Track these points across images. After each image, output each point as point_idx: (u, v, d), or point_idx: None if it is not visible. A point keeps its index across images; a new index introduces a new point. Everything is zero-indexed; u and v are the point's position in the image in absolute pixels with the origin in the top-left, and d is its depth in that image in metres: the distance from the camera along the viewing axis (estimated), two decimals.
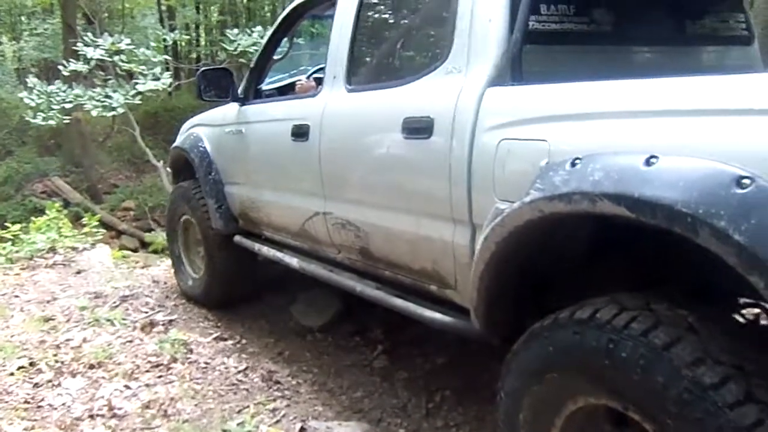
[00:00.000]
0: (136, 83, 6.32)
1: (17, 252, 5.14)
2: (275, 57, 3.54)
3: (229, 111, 3.58)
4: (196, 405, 2.85)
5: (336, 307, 3.71)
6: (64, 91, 6.53)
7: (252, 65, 3.54)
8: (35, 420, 2.69)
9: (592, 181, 1.48)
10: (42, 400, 2.87)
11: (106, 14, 16.75)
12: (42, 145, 14.60)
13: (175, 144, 4.19)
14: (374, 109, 2.47)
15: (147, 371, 3.16)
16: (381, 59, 2.73)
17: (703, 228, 1.26)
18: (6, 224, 12.16)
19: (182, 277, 4.25)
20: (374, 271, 2.57)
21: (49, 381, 3.03)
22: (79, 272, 4.79)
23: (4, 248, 5.28)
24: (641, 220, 1.38)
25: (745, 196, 1.22)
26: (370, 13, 2.71)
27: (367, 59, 2.78)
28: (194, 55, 17.59)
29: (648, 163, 1.39)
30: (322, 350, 3.46)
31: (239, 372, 3.18)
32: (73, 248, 5.20)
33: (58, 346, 3.42)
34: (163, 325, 3.74)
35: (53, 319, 3.79)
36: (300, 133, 2.79)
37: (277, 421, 2.71)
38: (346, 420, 2.73)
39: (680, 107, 1.46)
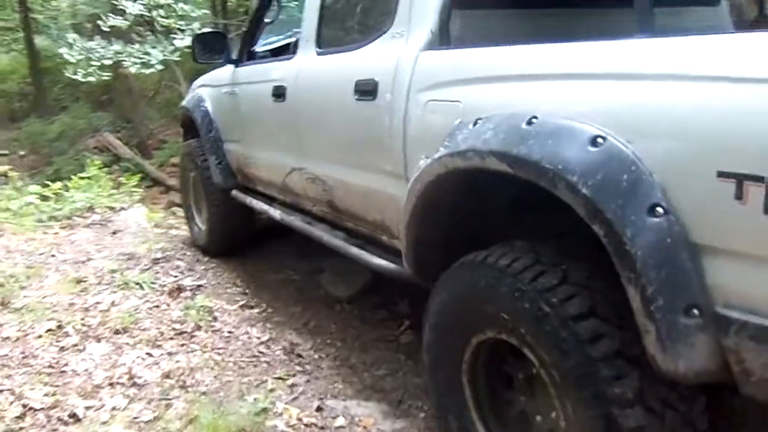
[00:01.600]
0: (174, 39, 6.22)
1: (59, 210, 5.21)
2: (266, 20, 3.63)
3: (226, 72, 3.78)
4: (215, 377, 2.80)
5: (365, 277, 3.59)
6: (103, 47, 6.51)
7: (245, 28, 3.75)
8: (57, 386, 2.69)
9: (484, 139, 1.63)
10: (66, 365, 2.87)
11: None
12: (94, 101, 14.83)
13: (182, 103, 4.42)
14: (335, 72, 2.60)
15: (170, 338, 3.14)
16: (343, 24, 2.88)
17: (560, 182, 1.41)
18: (60, 178, 12.53)
19: (193, 228, 4.52)
20: (341, 222, 2.78)
21: (75, 345, 3.04)
22: (114, 233, 4.83)
23: (48, 206, 5.36)
24: (519, 175, 1.54)
25: (596, 154, 1.37)
26: None
27: (334, 24, 2.89)
28: (242, 9, 17.41)
29: (529, 122, 1.53)
30: (348, 322, 3.36)
31: (262, 343, 3.11)
32: (111, 208, 5.24)
33: (86, 309, 3.43)
34: (190, 290, 3.71)
35: (85, 281, 3.81)
36: (279, 93, 2.97)
37: (295, 398, 2.63)
38: (365, 399, 2.63)
39: (562, 71, 1.59)
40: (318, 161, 2.79)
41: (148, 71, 6.37)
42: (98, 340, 3.08)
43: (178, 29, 6.33)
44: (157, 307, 3.49)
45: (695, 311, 1.27)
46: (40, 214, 5.15)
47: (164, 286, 3.76)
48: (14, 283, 3.76)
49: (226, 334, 3.20)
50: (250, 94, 3.45)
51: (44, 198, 5.58)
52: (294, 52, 3.02)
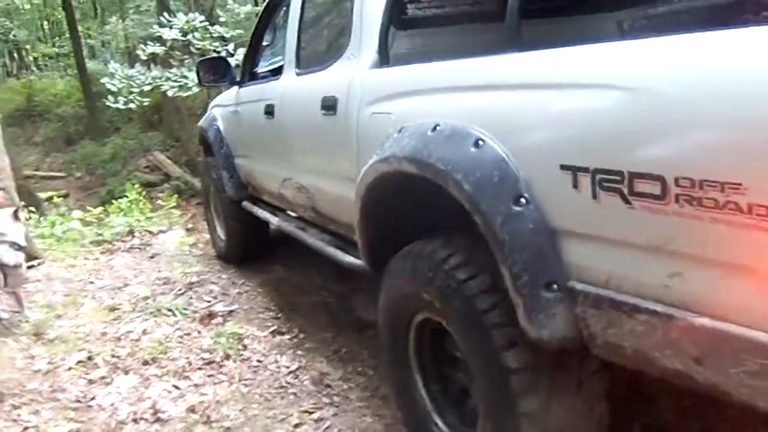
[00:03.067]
0: None
1: (100, 235, 5.27)
2: (264, 43, 3.98)
3: (232, 93, 4.08)
4: (240, 410, 2.70)
5: None
6: (143, 74, 6.61)
7: (245, 52, 4.06)
8: (82, 422, 2.65)
9: (401, 146, 1.87)
10: (92, 399, 2.83)
11: None
12: (146, 121, 15.23)
13: (198, 123, 4.70)
14: (307, 90, 2.86)
15: (198, 368, 3.06)
16: (315, 47, 3.12)
17: (449, 180, 1.64)
18: (113, 198, 12.81)
19: (215, 240, 4.78)
20: (325, 225, 3.00)
21: (103, 378, 3.00)
22: (152, 256, 4.84)
23: (90, 231, 5.43)
24: (424, 176, 1.76)
25: (476, 154, 1.60)
26: (309, 8, 3.14)
27: (308, 47, 3.13)
28: None
29: (433, 129, 1.77)
30: (380, 349, 3.20)
31: (290, 372, 3.00)
32: (150, 231, 5.25)
33: (118, 339, 3.41)
34: (222, 316, 3.65)
35: (119, 308, 3.80)
36: (269, 111, 3.26)
37: None
38: None
39: (460, 83, 1.82)
40: (301, 171, 3.08)
41: (185, 94, 6.42)
42: (126, 372, 3.04)
43: (214, 51, 6.35)
44: (188, 334, 3.43)
45: (554, 286, 1.46)
46: (82, 239, 5.22)
47: (196, 312, 3.71)
48: (51, 312, 3.78)
49: (255, 364, 3.11)
50: (249, 112, 3.71)
51: (87, 223, 5.66)
52: (281, 73, 3.30)
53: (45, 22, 22.36)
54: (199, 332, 3.46)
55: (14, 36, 19.94)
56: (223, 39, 6.37)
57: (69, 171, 14.31)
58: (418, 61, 2.10)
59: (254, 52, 3.97)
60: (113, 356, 3.19)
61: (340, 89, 2.45)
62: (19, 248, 3.57)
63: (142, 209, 5.67)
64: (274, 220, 3.61)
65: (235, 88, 4.00)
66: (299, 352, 3.22)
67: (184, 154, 13.88)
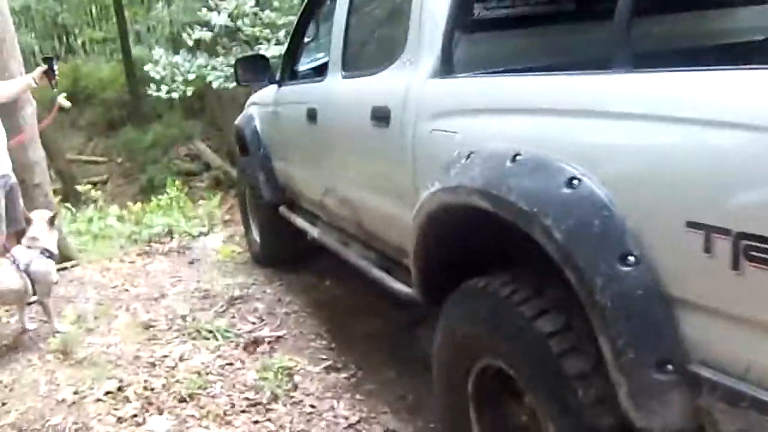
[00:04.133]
0: (259, 49, 5.82)
1: (137, 234, 4.90)
2: (306, 39, 3.65)
3: (271, 92, 3.78)
4: None
5: None
6: (188, 61, 6.24)
7: (285, 49, 3.76)
8: None
9: (471, 175, 1.59)
10: None
11: None
12: (187, 109, 14.97)
13: (236, 121, 4.40)
14: (354, 97, 2.59)
15: (242, 411, 2.63)
16: (365, 47, 2.86)
17: (534, 224, 1.36)
18: (153, 186, 12.58)
19: (250, 242, 4.48)
20: (372, 243, 2.70)
21: (134, 416, 2.59)
22: (192, 262, 4.45)
23: (127, 229, 5.08)
24: (501, 215, 1.48)
25: (570, 195, 1.31)
26: (359, 3, 2.81)
27: (357, 47, 2.84)
28: None
29: (513, 159, 1.47)
30: None
31: (350, 426, 2.54)
32: (189, 234, 4.86)
33: (152, 365, 3.00)
34: (269, 343, 3.21)
35: (154, 326, 3.40)
36: (311, 115, 2.98)
37: None
38: None
39: (547, 105, 1.51)
40: (346, 183, 2.81)
41: (231, 85, 6.00)
42: (160, 412, 2.62)
43: (264, 38, 5.91)
44: (231, 364, 3.00)
45: (669, 367, 1.20)
46: (119, 238, 4.86)
47: (240, 336, 3.28)
48: (81, 325, 3.41)
49: (308, 409, 2.65)
50: (289, 114, 3.46)
51: (124, 220, 5.31)
52: (324, 74, 2.99)
53: (93, 7, 22.40)
54: (242, 362, 3.03)
55: (62, 20, 19.96)
56: (274, 26, 5.92)
57: (110, 156, 14.21)
58: (488, 71, 1.86)
59: (295, 48, 3.68)
60: (146, 388, 2.77)
61: (393, 99, 2.17)
62: (50, 256, 3.21)
63: (182, 207, 5.29)
64: (313, 232, 3.34)
65: (275, 86, 3.73)
66: (358, 397, 2.76)
67: (224, 144, 13.59)
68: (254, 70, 3.78)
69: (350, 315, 3.55)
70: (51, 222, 3.26)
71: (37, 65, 3.86)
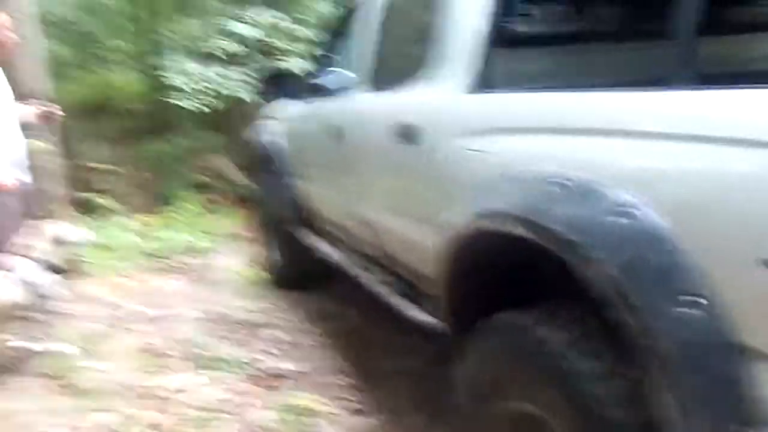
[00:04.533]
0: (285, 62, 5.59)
1: (151, 250, 4.65)
2: (334, 55, 3.50)
3: (292, 107, 3.68)
4: None
5: None
6: (221, 76, 6.04)
7: (313, 62, 3.67)
8: None
9: (512, 201, 1.48)
10: None
11: None
12: (211, 121, 14.85)
13: (250, 134, 4.33)
14: (380, 113, 2.47)
15: None
16: (392, 63, 2.67)
17: (582, 257, 1.23)
18: (170, 200, 12.41)
19: (270, 262, 4.23)
20: (395, 269, 2.57)
21: None
22: (210, 284, 4.17)
23: (142, 243, 4.83)
24: (542, 244, 1.34)
25: (626, 227, 1.18)
26: (390, 17, 2.67)
27: (384, 63, 2.70)
28: None
29: (558, 184, 1.35)
30: None
31: None
32: (207, 250, 4.60)
33: (161, 398, 2.70)
34: (289, 378, 2.90)
35: (167, 355, 3.10)
36: (334, 132, 2.86)
37: None
38: None
39: (599, 125, 1.37)
40: (369, 205, 2.67)
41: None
42: None
43: (292, 52, 5.68)
44: (247, 402, 2.70)
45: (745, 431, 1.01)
46: (131, 253, 4.60)
47: (259, 369, 2.98)
48: (86, 347, 3.13)
49: None
50: (312, 130, 3.34)
51: (140, 233, 5.07)
52: (351, 90, 2.86)
53: (123, 19, 22.68)
54: (261, 400, 2.72)
55: (93, 31, 20.16)
56: (308, 40, 5.70)
57: (130, 167, 14.10)
58: (526, 87, 1.75)
59: (322, 63, 3.55)
60: (152, 426, 2.48)
61: (422, 115, 2.04)
62: (55, 270, 2.95)
63: (201, 224, 5.03)
64: (332, 256, 3.19)
65: (297, 100, 3.61)
66: None
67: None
68: (280, 86, 3.75)
69: (377, 349, 3.24)
70: (57, 233, 3.01)
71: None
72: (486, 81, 1.83)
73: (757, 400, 1.01)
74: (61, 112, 3.36)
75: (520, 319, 1.50)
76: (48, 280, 2.94)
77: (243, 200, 10.92)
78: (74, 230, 3.02)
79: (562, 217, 1.30)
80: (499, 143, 1.65)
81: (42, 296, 2.94)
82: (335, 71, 3.61)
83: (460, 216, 1.69)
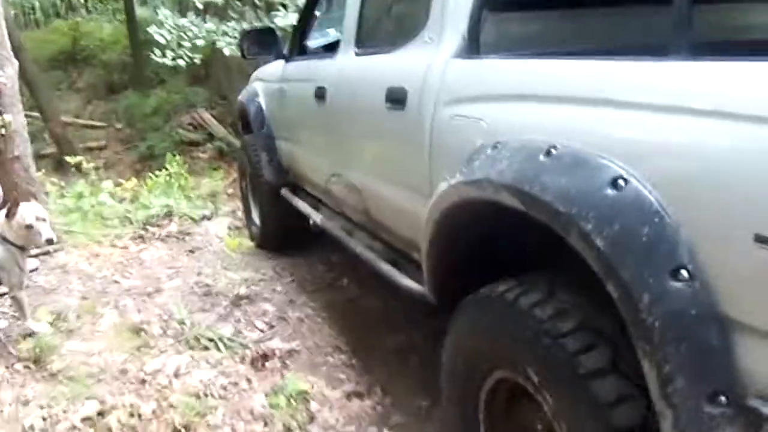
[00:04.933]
0: (276, 16, 5.24)
1: (131, 215, 4.40)
2: (317, 13, 3.46)
3: (276, 67, 3.61)
4: None
5: None
6: (196, 26, 5.66)
7: (295, 23, 3.54)
8: None
9: (499, 169, 1.45)
10: None
11: None
12: (193, 75, 14.35)
13: (239, 97, 4.18)
14: (368, 76, 2.42)
15: None
16: (383, 23, 2.66)
17: (571, 228, 1.22)
18: (153, 155, 12.01)
19: (250, 225, 4.21)
20: (378, 233, 2.55)
21: None
22: (192, 251, 3.96)
23: (121, 208, 4.57)
24: (531, 214, 1.33)
25: (615, 198, 1.17)
26: None
27: (372, 23, 2.65)
28: None
29: (547, 153, 1.33)
30: None
31: None
32: (190, 217, 4.36)
33: (142, 382, 2.53)
34: (280, 358, 2.73)
35: (146, 332, 2.91)
36: (320, 94, 2.79)
37: None
38: None
39: (590, 94, 1.35)
40: (354, 169, 2.64)
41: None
42: None
43: (281, 5, 5.31)
44: (235, 384, 2.53)
45: (722, 399, 1.05)
46: (111, 219, 4.36)
47: (246, 347, 2.80)
48: (60, 325, 2.93)
49: None
50: (296, 91, 3.28)
51: (119, 198, 4.80)
52: (336, 51, 2.79)
53: None
54: (249, 382, 2.55)
55: None
56: None
57: (109, 121, 13.68)
58: (520, 53, 1.68)
59: (306, 22, 3.49)
60: (133, 414, 2.30)
61: (411, 80, 1.99)
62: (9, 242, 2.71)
63: (183, 186, 4.78)
64: (316, 218, 3.17)
65: (281, 61, 3.54)
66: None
67: (229, 114, 13.05)
68: (262, 43, 3.59)
69: (373, 323, 3.08)
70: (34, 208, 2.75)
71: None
72: (476, 45, 1.78)
73: (736, 369, 1.03)
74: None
75: (502, 291, 1.49)
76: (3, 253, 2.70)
77: (226, 155, 10.61)
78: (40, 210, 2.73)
79: (550, 187, 1.28)
80: (488, 110, 1.62)
81: (7, 272, 2.72)
82: (318, 30, 3.59)
83: (445, 183, 1.65)
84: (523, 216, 1.36)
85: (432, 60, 1.90)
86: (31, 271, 3.46)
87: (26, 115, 3.74)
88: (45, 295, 3.21)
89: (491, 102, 1.62)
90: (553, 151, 1.32)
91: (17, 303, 2.82)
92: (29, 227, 2.64)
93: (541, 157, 1.33)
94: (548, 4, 1.92)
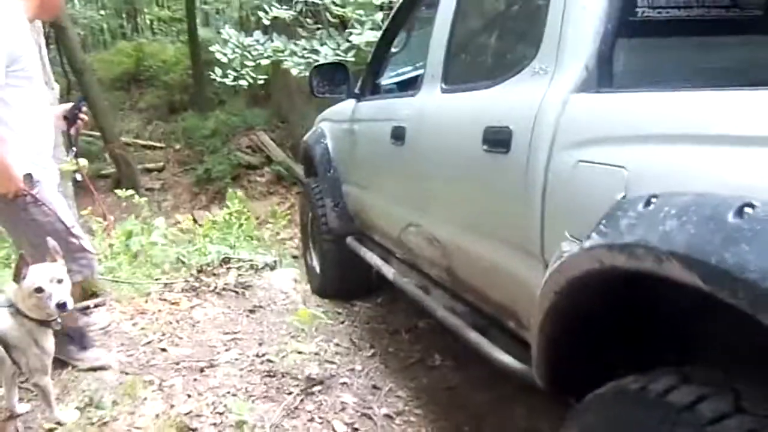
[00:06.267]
0: (351, 33, 4.67)
1: (185, 261, 3.84)
2: (393, 50, 3.22)
3: (346, 107, 3.40)
4: None
5: None
6: (262, 44, 5.17)
7: (369, 59, 3.34)
8: None
9: (662, 231, 1.13)
10: None
11: None
12: (252, 96, 14.12)
13: (304, 138, 3.98)
14: (460, 114, 2.18)
15: None
16: (475, 56, 2.46)
17: None
18: (210, 178, 11.66)
19: (309, 270, 3.99)
20: (461, 293, 2.28)
21: None
22: (252, 311, 3.35)
23: (174, 252, 4.02)
24: (718, 295, 1.03)
25: None
26: (470, 6, 2.40)
27: (464, 56, 2.45)
28: None
29: (739, 213, 1.02)
30: None
31: None
32: (252, 266, 3.77)
33: None
34: None
35: (196, 429, 2.28)
36: (398, 135, 2.59)
37: None
38: None
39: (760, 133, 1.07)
40: (436, 219, 2.39)
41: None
42: None
43: (357, 21, 4.75)
44: None
45: None
46: (162, 265, 3.81)
47: None
48: (91, 414, 2.34)
49: None
50: (369, 132, 3.08)
51: (174, 240, 4.26)
52: (416, 88, 2.59)
53: None
54: None
55: None
56: (371, 6, 4.73)
57: (168, 142, 13.55)
58: (664, 87, 1.38)
59: (381, 58, 3.24)
60: None
61: (517, 119, 1.72)
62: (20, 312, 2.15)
63: (244, 227, 4.20)
64: (388, 272, 2.87)
65: (352, 101, 3.29)
66: None
67: (289, 137, 12.69)
68: (331, 80, 3.31)
69: (486, 426, 2.38)
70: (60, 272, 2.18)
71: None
72: (607, 77, 1.57)
73: None
74: (85, 117, 2.65)
75: (645, 383, 1.17)
76: (10, 324, 2.14)
77: (284, 179, 10.16)
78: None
79: (750, 260, 0.96)
80: (629, 155, 1.34)
81: (16, 347, 2.16)
82: (393, 68, 3.29)
83: (574, 245, 1.37)
84: (697, 293, 1.05)
85: (545, 95, 1.66)
86: (102, 329, 3.01)
87: (88, 135, 3.36)
88: (80, 372, 2.63)
89: (636, 144, 1.34)
90: (749, 211, 1.02)
91: (41, 391, 2.24)
92: (39, 291, 2.08)
93: (731, 218, 1.04)
94: (693, 28, 1.67)
